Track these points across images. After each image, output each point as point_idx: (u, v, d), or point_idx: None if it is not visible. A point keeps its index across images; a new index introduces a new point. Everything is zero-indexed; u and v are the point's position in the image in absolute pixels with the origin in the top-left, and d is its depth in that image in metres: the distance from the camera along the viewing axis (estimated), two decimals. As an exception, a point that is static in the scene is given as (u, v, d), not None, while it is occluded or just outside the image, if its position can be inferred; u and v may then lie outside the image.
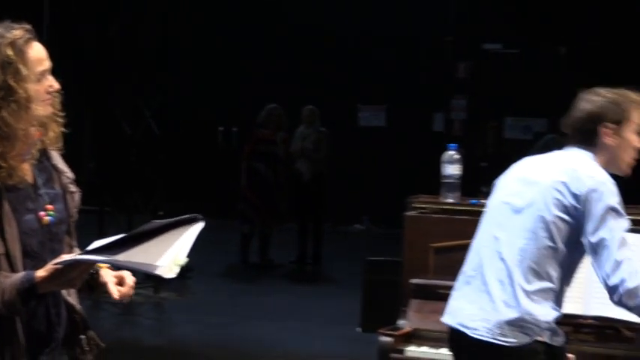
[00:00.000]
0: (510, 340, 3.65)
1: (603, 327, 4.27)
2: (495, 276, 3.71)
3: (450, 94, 16.21)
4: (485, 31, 15.80)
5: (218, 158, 16.15)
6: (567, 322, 4.28)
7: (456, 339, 3.80)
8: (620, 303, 3.56)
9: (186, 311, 9.83)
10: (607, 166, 3.78)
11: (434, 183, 5.02)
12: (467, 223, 4.61)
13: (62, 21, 14.58)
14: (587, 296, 4.27)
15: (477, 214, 4.63)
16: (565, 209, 3.64)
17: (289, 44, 16.34)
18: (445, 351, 4.41)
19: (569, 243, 3.66)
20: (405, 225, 4.74)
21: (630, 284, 3.51)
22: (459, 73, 16.21)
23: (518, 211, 3.75)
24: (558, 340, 3.71)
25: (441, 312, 4.54)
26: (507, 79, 15.34)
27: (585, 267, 4.25)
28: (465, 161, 4.95)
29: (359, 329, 8.57)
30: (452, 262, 4.59)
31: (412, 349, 4.45)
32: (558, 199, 3.66)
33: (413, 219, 4.75)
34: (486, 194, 4.68)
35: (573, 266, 3.75)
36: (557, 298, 3.70)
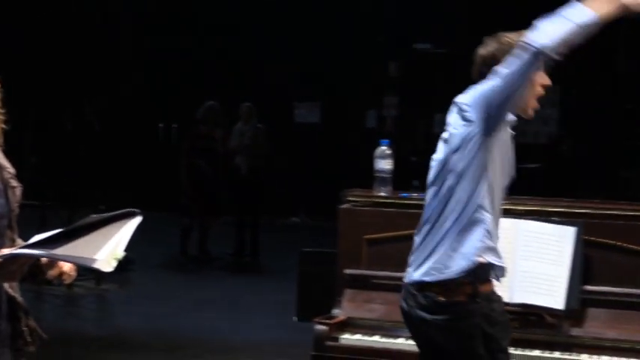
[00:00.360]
0: (447, 271, 3.63)
1: (527, 314, 4.32)
2: (424, 231, 3.74)
3: (382, 92, 16.30)
4: (415, 31, 15.90)
5: (158, 154, 16.05)
6: (494, 309, 4.34)
7: (403, 294, 3.78)
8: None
9: (127, 302, 9.75)
10: None
11: (367, 177, 5.03)
12: (398, 216, 4.64)
13: (4, 18, 14.38)
14: (512, 285, 4.31)
15: (408, 207, 4.67)
16: (452, 140, 3.66)
17: (227, 43, 16.30)
18: (378, 338, 4.43)
19: (466, 166, 3.63)
20: (339, 218, 4.75)
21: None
22: (390, 72, 16.31)
23: (432, 167, 3.77)
24: (500, 259, 3.69)
25: (373, 301, 4.57)
26: (436, 77, 15.46)
27: (510, 258, 4.30)
28: (397, 156, 4.97)
29: (295, 318, 8.59)
30: (384, 253, 4.61)
31: (346, 337, 4.46)
32: (446, 138, 3.69)
33: (347, 212, 4.76)
34: (417, 188, 4.71)
35: (481, 190, 3.65)
36: (481, 227, 3.63)
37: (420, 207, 4.65)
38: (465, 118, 3.67)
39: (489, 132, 3.62)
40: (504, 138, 3.73)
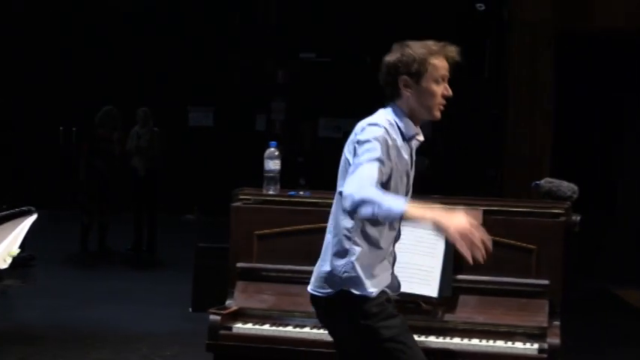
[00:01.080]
0: (323, 290, 3.68)
1: (405, 302, 4.36)
2: (326, 242, 3.74)
3: (271, 97, 16.32)
4: (300, 42, 15.97)
5: (59, 155, 15.76)
6: (374, 298, 4.38)
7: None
8: (353, 211, 3.45)
9: (30, 297, 9.51)
10: (413, 113, 3.67)
11: (257, 177, 5.02)
12: (286, 213, 4.65)
13: None
14: (391, 275, 4.36)
15: (295, 204, 4.68)
16: (342, 163, 3.62)
17: (125, 50, 16.08)
18: (268, 326, 4.42)
19: None
20: (231, 215, 4.72)
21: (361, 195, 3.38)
22: (278, 79, 16.34)
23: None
24: (365, 290, 3.61)
25: (264, 292, 4.56)
26: (321, 84, 15.56)
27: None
28: (284, 157, 4.97)
29: (190, 309, 8.53)
30: (273, 247, 4.61)
31: (239, 326, 4.45)
32: (346, 157, 3.63)
33: (238, 209, 4.74)
34: (303, 186, 4.72)
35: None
36: (348, 258, 3.61)
37: (306, 204, 4.69)
38: (351, 151, 3.62)
39: None
40: (400, 162, 3.63)
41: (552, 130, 12.03)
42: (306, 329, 4.37)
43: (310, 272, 4.46)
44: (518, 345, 4.21)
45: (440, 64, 3.65)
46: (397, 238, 3.81)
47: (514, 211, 4.48)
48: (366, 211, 3.38)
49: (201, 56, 15.89)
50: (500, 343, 4.22)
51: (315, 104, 15.68)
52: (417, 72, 3.62)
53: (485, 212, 4.41)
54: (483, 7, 12.51)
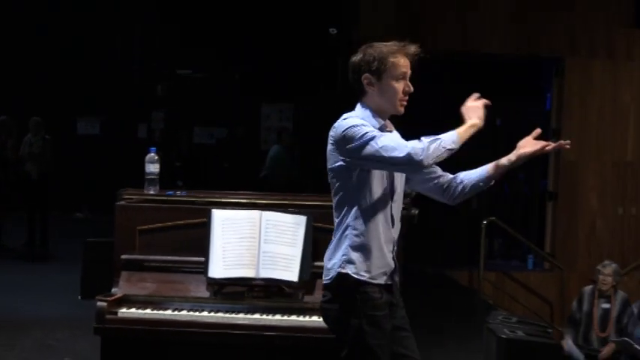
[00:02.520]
0: (324, 279, 3.56)
1: (270, 286, 4.39)
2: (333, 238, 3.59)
3: (151, 108, 16.16)
4: (178, 59, 15.88)
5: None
6: (243, 283, 4.38)
7: None
8: (426, 164, 3.29)
9: None
10: (379, 108, 3.49)
11: (139, 179, 4.96)
12: (165, 210, 4.62)
13: None
14: (257, 264, 4.37)
15: (172, 203, 4.66)
16: (335, 158, 3.47)
17: (19, 64, 15.60)
18: (149, 310, 4.37)
19: (349, 183, 3.45)
20: (116, 212, 4.66)
21: (420, 148, 3.28)
22: (158, 92, 16.21)
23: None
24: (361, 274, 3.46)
25: (145, 281, 4.51)
26: (195, 97, 15.51)
27: (256, 242, 4.35)
28: (163, 161, 4.93)
29: (80, 297, 8.33)
30: (154, 240, 4.57)
31: (123, 311, 4.38)
32: (330, 153, 3.50)
33: (122, 207, 4.67)
34: (180, 187, 4.68)
35: (363, 200, 3.44)
36: (346, 243, 3.46)
37: (183, 202, 4.67)
38: (332, 149, 3.48)
39: (354, 167, 3.41)
40: None
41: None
42: (184, 312, 4.35)
43: (187, 262, 4.44)
44: (367, 320, 4.27)
45: (399, 62, 3.45)
46: (393, 222, 3.55)
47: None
48: (434, 151, 3.26)
49: (89, 71, 15.57)
50: (351, 320, 4.28)
51: (190, 114, 15.59)
52: (377, 70, 3.43)
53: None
54: (335, 31, 12.74)
